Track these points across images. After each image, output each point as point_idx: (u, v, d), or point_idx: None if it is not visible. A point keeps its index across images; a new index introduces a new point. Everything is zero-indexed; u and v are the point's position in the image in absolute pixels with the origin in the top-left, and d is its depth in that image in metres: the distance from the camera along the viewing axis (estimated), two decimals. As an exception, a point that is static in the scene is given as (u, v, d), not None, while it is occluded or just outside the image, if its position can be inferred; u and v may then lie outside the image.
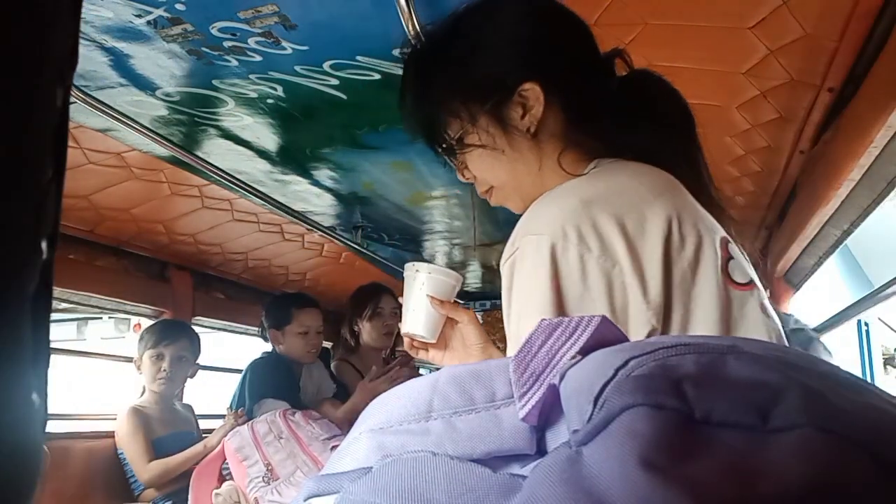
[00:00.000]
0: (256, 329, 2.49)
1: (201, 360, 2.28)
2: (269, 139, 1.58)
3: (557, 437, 0.29)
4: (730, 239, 0.70)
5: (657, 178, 0.69)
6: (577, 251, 0.60)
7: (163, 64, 1.22)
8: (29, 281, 0.20)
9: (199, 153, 1.65)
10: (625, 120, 0.74)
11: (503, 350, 0.79)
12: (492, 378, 0.32)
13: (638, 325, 0.60)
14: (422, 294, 0.99)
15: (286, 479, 1.66)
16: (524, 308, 0.63)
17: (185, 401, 2.32)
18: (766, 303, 0.68)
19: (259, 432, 1.78)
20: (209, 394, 2.59)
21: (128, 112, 1.40)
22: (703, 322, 0.63)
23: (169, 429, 2.09)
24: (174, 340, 2.13)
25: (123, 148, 1.63)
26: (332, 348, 2.90)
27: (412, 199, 2.10)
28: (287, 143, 1.62)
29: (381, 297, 2.43)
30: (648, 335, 0.60)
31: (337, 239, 2.37)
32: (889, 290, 1.54)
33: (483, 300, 3.87)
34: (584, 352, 0.29)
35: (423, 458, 0.28)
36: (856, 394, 0.22)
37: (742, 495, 0.19)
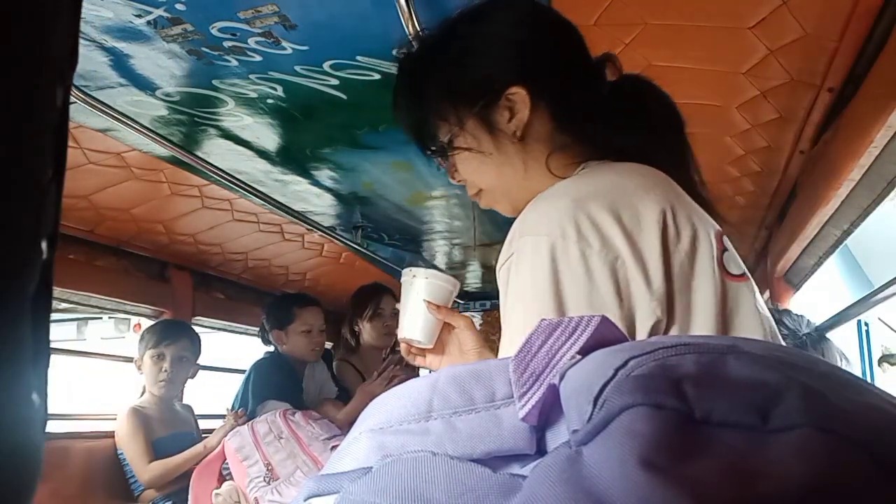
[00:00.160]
0: (256, 329, 2.50)
1: (201, 361, 2.28)
2: (269, 139, 1.58)
3: (557, 436, 0.29)
4: (722, 231, 0.71)
5: (647, 174, 0.69)
6: (577, 248, 0.60)
7: (163, 64, 1.22)
8: (29, 281, 0.20)
9: (199, 153, 1.65)
10: (614, 123, 0.74)
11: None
12: (492, 378, 0.32)
13: (644, 317, 0.60)
14: (419, 299, 0.99)
15: (286, 479, 1.67)
16: (525, 310, 0.63)
17: (184, 401, 2.32)
18: (758, 295, 0.69)
19: (259, 432, 1.78)
20: (209, 394, 2.59)
21: (128, 112, 1.40)
22: (702, 312, 0.63)
23: (169, 429, 2.09)
24: (175, 340, 2.13)
25: (123, 148, 1.63)
26: (332, 348, 2.90)
27: (412, 199, 2.10)
28: (287, 143, 1.62)
29: (382, 297, 2.43)
30: (653, 326, 0.60)
31: (337, 239, 2.37)
32: (889, 290, 1.54)
33: (483, 300, 3.88)
34: (584, 352, 0.29)
35: (423, 458, 0.28)
36: (856, 394, 0.22)
37: (742, 495, 0.19)
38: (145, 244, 2.23)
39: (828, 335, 1.83)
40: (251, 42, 1.14)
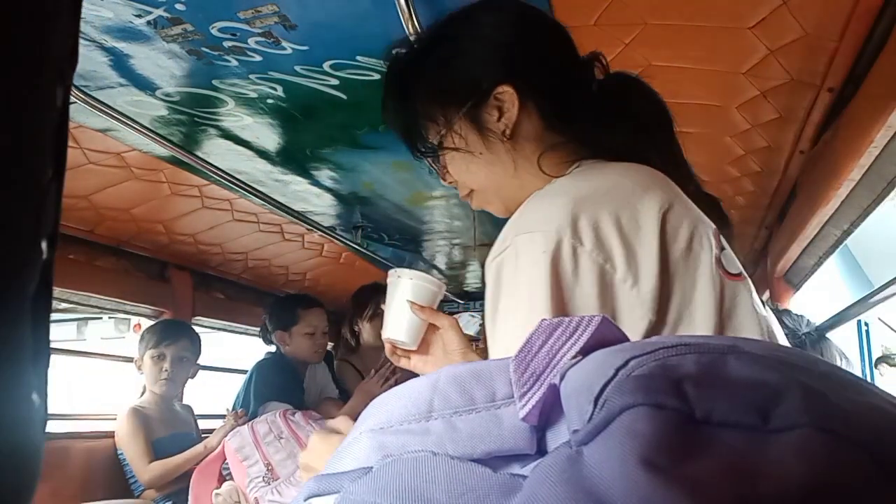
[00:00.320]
0: (256, 329, 2.49)
1: (201, 361, 2.28)
2: (269, 139, 1.58)
3: (558, 436, 0.29)
4: (719, 231, 0.71)
5: (643, 173, 0.69)
6: (570, 245, 0.60)
7: (163, 64, 1.22)
8: (29, 281, 0.20)
9: (199, 153, 1.65)
10: (604, 121, 0.75)
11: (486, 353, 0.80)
12: (492, 378, 0.32)
13: (634, 320, 0.60)
14: (403, 300, 1.00)
15: (286, 479, 1.67)
16: (517, 306, 0.62)
17: (184, 401, 2.32)
18: (755, 295, 0.69)
19: (259, 432, 1.78)
20: (209, 394, 2.59)
21: (128, 112, 1.40)
22: (699, 311, 0.63)
23: (169, 429, 2.09)
24: (175, 340, 2.13)
25: (123, 148, 1.63)
26: (332, 349, 2.90)
27: (412, 199, 2.10)
28: (287, 143, 1.62)
29: (382, 297, 2.43)
30: (645, 329, 0.60)
31: (337, 239, 2.37)
32: (889, 290, 1.54)
33: (483, 300, 3.87)
34: (585, 352, 0.29)
35: (424, 458, 0.28)
36: (856, 394, 0.22)
37: (742, 495, 0.19)
38: (145, 244, 2.23)
39: (828, 335, 1.83)
40: (251, 42, 1.14)
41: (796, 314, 1.89)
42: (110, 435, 2.05)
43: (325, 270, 2.90)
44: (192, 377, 2.24)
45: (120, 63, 1.22)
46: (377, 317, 2.42)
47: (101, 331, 7.28)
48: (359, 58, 1.18)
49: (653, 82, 0.80)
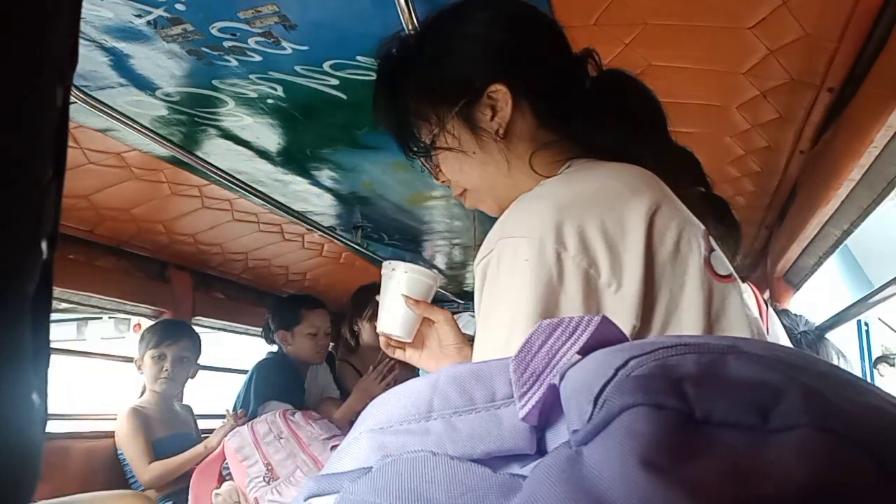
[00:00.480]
0: (256, 329, 2.50)
1: (200, 361, 2.28)
2: (269, 139, 1.58)
3: (557, 437, 0.29)
4: (709, 232, 0.71)
5: (634, 174, 0.69)
6: (554, 250, 0.60)
7: (163, 64, 1.22)
8: (29, 281, 0.20)
9: (199, 153, 1.65)
10: (597, 119, 0.74)
11: None
12: (492, 378, 0.32)
13: (617, 323, 0.60)
14: (398, 293, 0.99)
15: (286, 478, 1.67)
16: (499, 311, 0.62)
17: (184, 401, 2.32)
18: (746, 297, 0.69)
19: (259, 432, 1.78)
20: (208, 394, 2.59)
21: (128, 112, 1.40)
22: (687, 312, 0.63)
23: (169, 430, 2.09)
24: (176, 340, 2.13)
25: (123, 148, 1.63)
26: (332, 349, 2.90)
27: (412, 199, 2.10)
28: (287, 143, 1.62)
29: None
30: (629, 334, 0.60)
31: (337, 239, 2.37)
32: (889, 290, 1.54)
33: (483, 300, 3.86)
34: (584, 352, 0.29)
35: (423, 458, 0.28)
36: (856, 394, 0.22)
37: (742, 495, 0.19)
38: (145, 244, 2.23)
39: (827, 335, 1.83)
40: (251, 42, 1.14)
41: (794, 314, 1.89)
42: (110, 435, 2.05)
43: (325, 270, 2.90)
44: (192, 377, 2.24)
45: (120, 63, 1.22)
46: (377, 317, 2.41)
47: (101, 331, 7.28)
48: (359, 58, 1.18)
49: (653, 82, 0.80)
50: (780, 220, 2.13)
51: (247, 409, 2.10)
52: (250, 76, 1.26)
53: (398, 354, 1.04)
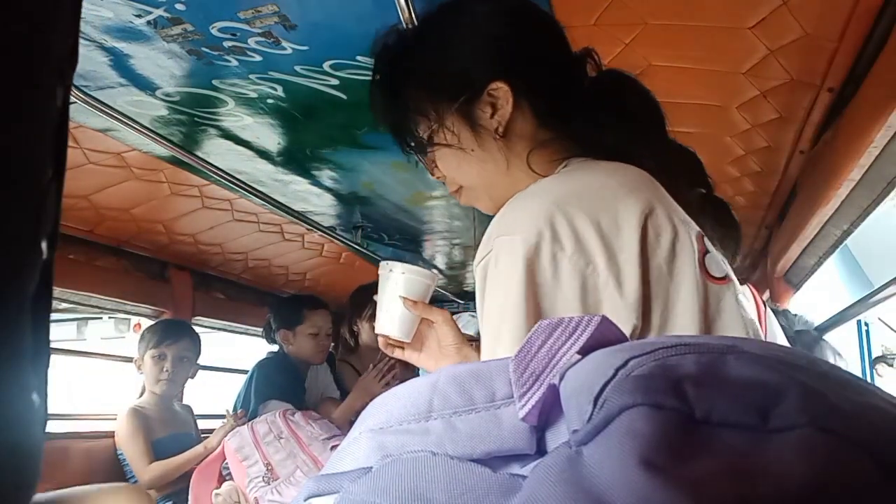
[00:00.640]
0: (256, 329, 2.50)
1: (200, 360, 2.28)
2: (269, 139, 1.58)
3: (557, 436, 0.29)
4: (704, 234, 0.70)
5: (630, 174, 0.69)
6: (550, 250, 0.60)
7: (163, 64, 1.22)
8: (29, 281, 0.20)
9: (199, 153, 1.65)
10: (596, 119, 0.74)
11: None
12: (492, 378, 0.32)
13: (619, 323, 0.59)
14: (395, 294, 0.98)
15: (286, 478, 1.67)
16: (499, 310, 0.62)
17: (184, 401, 2.32)
18: (741, 297, 0.69)
19: (259, 432, 1.78)
20: (208, 394, 2.59)
21: (128, 112, 1.40)
22: (682, 316, 0.63)
23: (169, 430, 2.09)
24: (176, 340, 2.13)
25: (123, 148, 1.63)
26: (332, 349, 2.90)
27: (412, 199, 2.10)
28: (287, 143, 1.62)
29: None
30: (630, 333, 0.60)
31: (337, 239, 2.37)
32: (889, 290, 1.54)
33: (483, 300, 3.86)
34: (584, 352, 0.29)
35: (423, 458, 0.28)
36: (856, 394, 0.22)
37: (742, 495, 0.19)
38: (145, 244, 2.23)
39: (827, 335, 1.83)
40: (251, 42, 1.14)
41: (792, 313, 1.89)
42: (110, 435, 2.05)
43: (325, 270, 2.90)
44: (192, 377, 2.24)
45: (120, 63, 1.22)
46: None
47: (101, 331, 7.27)
48: (359, 58, 1.18)
49: (653, 82, 0.80)
50: (780, 220, 2.13)
51: (247, 408, 2.10)
52: (250, 76, 1.26)
53: (397, 354, 1.03)
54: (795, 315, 1.89)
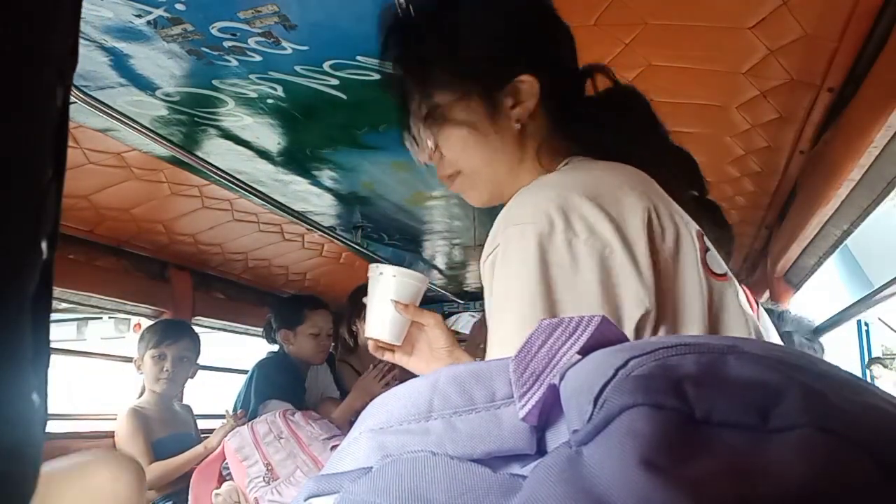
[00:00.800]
0: (256, 329, 2.50)
1: (200, 360, 2.28)
2: (269, 139, 1.58)
3: (557, 437, 0.29)
4: (703, 231, 0.71)
5: (630, 173, 0.69)
6: (563, 237, 0.59)
7: (163, 64, 1.22)
8: (29, 281, 0.20)
9: (199, 153, 1.65)
10: (597, 121, 0.75)
11: (482, 352, 0.78)
12: (492, 378, 0.32)
13: (632, 306, 0.59)
14: (385, 297, 0.97)
15: (286, 478, 1.66)
16: (512, 301, 0.61)
17: (184, 401, 2.32)
18: (741, 295, 0.69)
19: (259, 432, 1.78)
20: (208, 394, 2.59)
21: (128, 112, 1.40)
22: (688, 312, 0.63)
23: (168, 430, 2.09)
24: (176, 340, 2.13)
25: (123, 148, 1.63)
26: (332, 349, 2.90)
27: (412, 199, 2.10)
28: (287, 143, 1.62)
29: None
30: (642, 317, 0.59)
31: (337, 239, 2.37)
32: (889, 290, 1.54)
33: (483, 300, 3.86)
34: (584, 352, 0.29)
35: (423, 458, 0.28)
36: (856, 394, 0.22)
37: (742, 495, 0.19)
38: (145, 244, 2.23)
39: (827, 335, 1.83)
40: (251, 42, 1.14)
41: (779, 310, 1.89)
42: (110, 435, 2.05)
43: (325, 270, 2.90)
44: (192, 377, 2.24)
45: (120, 63, 1.22)
46: None
47: (101, 331, 7.28)
48: (359, 58, 1.18)
49: (653, 82, 0.81)
50: (780, 220, 2.13)
51: (247, 407, 2.10)
52: (250, 76, 1.26)
53: (387, 357, 1.02)
54: (784, 313, 1.89)
